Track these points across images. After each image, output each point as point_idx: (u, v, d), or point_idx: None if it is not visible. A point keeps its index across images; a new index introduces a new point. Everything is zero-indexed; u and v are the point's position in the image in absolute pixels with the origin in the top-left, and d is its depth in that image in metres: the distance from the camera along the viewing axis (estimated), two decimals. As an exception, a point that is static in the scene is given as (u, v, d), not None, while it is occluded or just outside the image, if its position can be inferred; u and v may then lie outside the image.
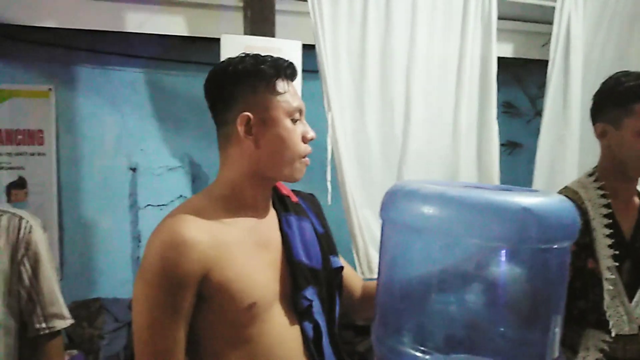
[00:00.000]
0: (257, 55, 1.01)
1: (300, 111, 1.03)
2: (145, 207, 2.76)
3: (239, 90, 0.98)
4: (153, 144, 2.78)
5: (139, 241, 2.75)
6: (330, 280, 1.11)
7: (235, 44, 2.06)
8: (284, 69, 1.01)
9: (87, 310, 2.41)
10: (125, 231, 2.76)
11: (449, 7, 2.49)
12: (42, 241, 1.35)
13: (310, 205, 1.20)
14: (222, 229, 0.98)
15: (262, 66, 0.98)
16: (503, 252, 0.73)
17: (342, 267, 1.14)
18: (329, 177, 2.29)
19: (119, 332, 2.35)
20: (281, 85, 1.00)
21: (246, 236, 1.01)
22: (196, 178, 2.85)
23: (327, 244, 1.15)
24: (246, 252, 0.99)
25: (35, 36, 2.51)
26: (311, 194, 1.24)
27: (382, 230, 0.94)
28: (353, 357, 2.57)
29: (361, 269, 2.44)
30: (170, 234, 0.93)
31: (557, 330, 0.77)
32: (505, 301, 0.77)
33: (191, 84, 2.79)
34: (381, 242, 0.96)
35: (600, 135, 1.38)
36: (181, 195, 2.80)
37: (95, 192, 2.72)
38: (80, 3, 2.39)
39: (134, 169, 2.76)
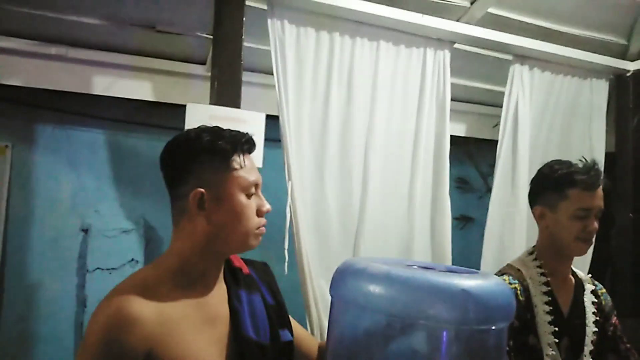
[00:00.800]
0: (215, 130, 1.02)
1: (256, 185, 1.04)
2: (94, 270, 2.66)
3: (193, 166, 0.99)
4: (108, 206, 2.74)
5: (85, 306, 2.64)
6: (280, 355, 1.10)
7: (201, 113, 2.10)
8: (241, 145, 1.02)
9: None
10: (71, 295, 2.65)
11: (407, 88, 2.64)
12: None
13: (263, 275, 1.20)
14: (169, 304, 0.96)
15: (219, 142, 1.00)
16: (444, 332, 0.75)
17: (291, 341, 1.13)
18: (286, 246, 2.29)
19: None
20: (237, 160, 1.02)
21: (193, 311, 0.99)
22: (150, 241, 2.79)
23: (277, 317, 1.14)
24: (192, 328, 0.98)
25: (-2, 92, 2.49)
26: (264, 263, 1.24)
27: (331, 306, 0.95)
28: None
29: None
30: (115, 309, 0.91)
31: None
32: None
33: (153, 147, 2.79)
34: (329, 318, 0.97)
35: (539, 217, 1.47)
36: (133, 259, 2.72)
37: (43, 253, 2.62)
38: (47, 64, 2.41)
39: (85, 230, 2.69)
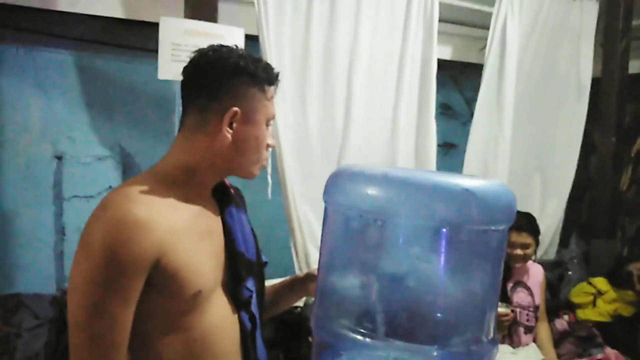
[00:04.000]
0: (251, 55, 1.02)
1: (272, 119, 1.06)
2: (70, 198, 2.58)
3: (234, 84, 0.98)
4: (81, 132, 2.61)
5: (63, 234, 2.58)
6: (261, 274, 1.14)
7: (176, 28, 1.98)
8: (275, 77, 1.04)
9: (3, 307, 2.22)
10: (48, 223, 2.58)
11: (392, 7, 2.53)
12: None
13: (240, 200, 1.20)
14: (172, 212, 0.94)
15: (260, 68, 1.00)
16: (444, 233, 0.72)
17: (266, 264, 1.17)
18: (269, 170, 2.25)
19: (39, 330, 2.19)
20: (270, 91, 1.03)
21: (193, 222, 0.98)
22: (127, 168, 2.71)
23: (256, 238, 1.17)
24: (194, 238, 0.96)
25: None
26: (238, 189, 1.22)
27: (325, 214, 0.92)
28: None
29: (299, 264, 2.42)
30: (122, 212, 0.87)
31: (493, 313, 0.78)
32: (444, 282, 0.77)
33: (125, 70, 2.65)
34: (323, 226, 0.94)
35: None
36: (110, 186, 2.64)
37: (16, 182, 2.52)
38: (5, -24, 2.21)
39: (59, 158, 2.58)
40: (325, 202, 0.92)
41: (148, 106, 2.66)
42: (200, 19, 2.04)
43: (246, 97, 0.99)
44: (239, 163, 1.01)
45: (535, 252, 2.30)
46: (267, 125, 1.04)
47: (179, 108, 1.07)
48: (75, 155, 2.59)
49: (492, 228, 0.73)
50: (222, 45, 1.01)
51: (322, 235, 0.96)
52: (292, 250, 2.42)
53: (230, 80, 0.98)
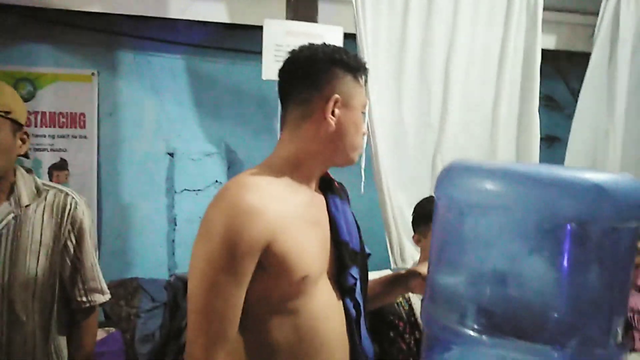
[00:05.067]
0: (340, 47, 1.10)
1: (365, 107, 1.11)
2: (181, 191, 2.79)
3: (331, 74, 1.05)
4: (190, 130, 2.82)
5: (175, 224, 2.80)
6: (365, 265, 1.16)
7: (278, 29, 2.07)
8: (364, 66, 1.10)
9: (124, 289, 2.46)
10: (161, 215, 2.80)
11: (493, -4, 2.45)
12: (87, 217, 1.37)
13: (344, 193, 1.25)
14: (283, 201, 1.00)
15: (350, 58, 1.07)
16: (570, 230, 0.71)
17: (369, 255, 1.20)
18: (363, 165, 2.28)
19: (155, 312, 2.39)
20: (361, 80, 1.09)
21: (301, 211, 1.03)
22: (232, 164, 2.87)
23: (360, 231, 1.19)
24: (302, 226, 1.02)
25: (80, 21, 2.55)
26: (342, 184, 1.27)
27: (436, 209, 0.93)
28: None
29: (394, 258, 2.42)
30: (237, 200, 0.95)
31: (621, 319, 0.75)
32: (566, 282, 0.75)
33: (230, 71, 2.81)
34: (434, 221, 0.95)
35: None
36: (217, 181, 2.82)
37: (133, 176, 2.77)
38: (124, -12, 2.43)
39: (171, 154, 2.80)
40: (436, 196, 0.93)
41: (251, 105, 2.80)
42: (301, 20, 2.12)
43: (343, 85, 1.05)
44: (341, 149, 1.06)
45: None
46: (363, 112, 1.10)
47: (280, 107, 1.14)
48: (186, 152, 2.80)
49: (623, 225, 0.70)
50: (311, 43, 1.09)
51: (432, 231, 0.96)
52: (387, 244, 2.43)
53: (327, 71, 1.05)
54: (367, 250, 1.21)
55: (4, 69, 2.55)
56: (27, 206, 1.29)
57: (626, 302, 0.76)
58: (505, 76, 2.48)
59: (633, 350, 2.08)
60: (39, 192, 1.33)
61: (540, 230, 0.74)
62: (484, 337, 0.81)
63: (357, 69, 1.08)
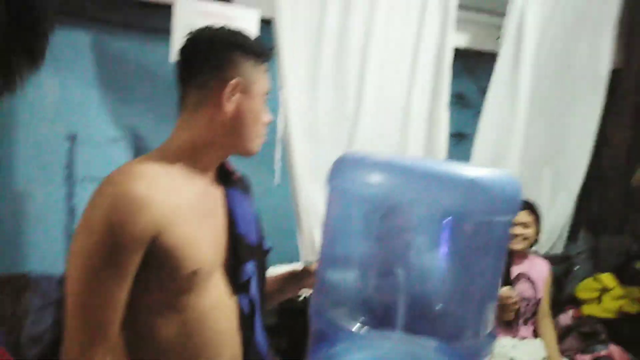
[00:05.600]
0: (243, 31, 1.05)
1: (267, 94, 1.08)
2: (82, 179, 2.61)
3: (231, 57, 1.01)
4: (95, 113, 2.63)
5: (74, 215, 2.61)
6: (263, 260, 1.14)
7: (190, 9, 1.98)
8: (267, 51, 1.08)
9: (11, 285, 2.26)
10: (59, 204, 2.60)
11: (409, -9, 2.49)
12: None
13: (247, 184, 1.22)
14: (174, 190, 0.95)
15: (253, 43, 1.05)
16: (446, 222, 0.71)
17: (269, 250, 1.17)
18: (278, 156, 2.24)
19: (46, 310, 2.22)
20: (264, 66, 1.06)
21: (194, 202, 0.99)
22: (139, 151, 2.71)
23: (260, 225, 1.17)
24: (194, 218, 0.97)
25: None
26: (244, 176, 1.24)
27: (328, 200, 0.91)
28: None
29: (305, 251, 2.42)
30: (121, 190, 0.88)
31: (492, 306, 0.77)
32: (444, 273, 0.76)
33: (140, 51, 2.65)
34: (325, 214, 0.93)
35: None
36: (123, 168, 2.67)
37: (29, 161, 2.54)
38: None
39: (72, 138, 2.60)
40: (328, 188, 0.91)
41: (162, 89, 2.66)
42: (215, 0, 2.04)
43: (243, 69, 1.02)
44: (239, 137, 1.03)
45: (536, 238, 2.27)
46: (264, 100, 1.07)
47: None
48: (89, 137, 2.61)
49: (496, 219, 0.72)
50: (213, 25, 1.04)
51: (324, 222, 0.95)
52: (298, 236, 2.42)
53: (228, 54, 1.01)
54: (268, 245, 1.18)
55: None
56: None
57: (496, 294, 0.79)
58: (417, 71, 2.53)
59: (517, 336, 2.22)
60: None
61: (421, 222, 0.74)
62: (367, 331, 0.80)
63: (260, 54, 1.05)
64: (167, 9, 2.03)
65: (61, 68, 2.55)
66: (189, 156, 1.01)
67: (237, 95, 1.01)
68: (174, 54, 2.02)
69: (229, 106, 1.00)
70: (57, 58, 2.53)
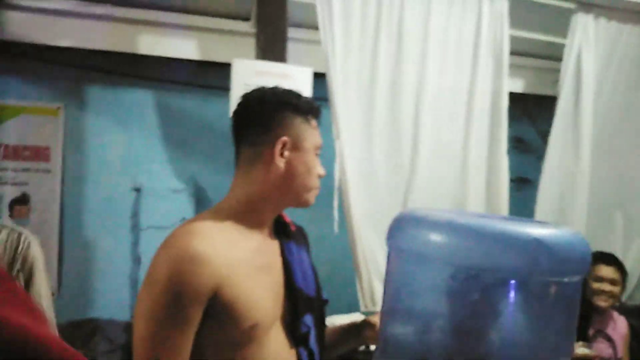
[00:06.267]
0: (292, 90, 1.10)
1: (320, 149, 1.10)
2: (147, 228, 2.72)
3: (280, 116, 1.05)
4: (158, 166, 2.77)
5: (139, 263, 2.71)
6: (321, 311, 1.14)
7: (247, 69, 2.07)
8: (316, 108, 1.11)
9: (81, 330, 2.35)
10: (125, 252, 2.72)
11: (460, 41, 2.50)
12: (38, 258, 1.32)
13: (304, 235, 1.23)
14: (232, 246, 0.98)
15: (301, 100, 1.08)
16: (511, 283, 0.68)
17: (327, 301, 1.17)
18: (335, 205, 2.25)
19: (113, 355, 2.29)
20: (313, 121, 1.09)
21: (252, 257, 1.01)
22: (200, 201, 2.82)
23: (317, 276, 1.17)
24: (252, 272, 1.00)
25: (48, 55, 2.53)
26: (301, 227, 1.25)
27: (388, 258, 0.90)
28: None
29: (364, 300, 2.38)
30: (183, 247, 0.93)
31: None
32: (512, 335, 0.73)
33: (199, 107, 2.80)
34: (386, 270, 0.92)
35: None
36: (184, 218, 2.73)
37: (97, 212, 2.70)
38: (94, 24, 2.42)
39: (137, 190, 2.74)
40: (387, 245, 0.90)
41: (221, 142, 2.77)
42: (270, 60, 2.12)
43: (293, 127, 1.05)
44: (292, 191, 1.05)
45: (621, 294, 2.15)
46: (316, 154, 1.09)
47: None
48: (153, 188, 2.74)
49: (565, 280, 0.68)
50: (263, 86, 1.10)
51: (385, 280, 0.94)
52: (357, 285, 2.38)
53: (277, 113, 1.05)
54: (325, 297, 1.18)
55: (-32, 101, 2.50)
56: None
57: (570, 353, 0.74)
58: (473, 118, 2.51)
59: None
60: None
61: (483, 283, 0.71)
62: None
63: (308, 111, 1.08)
64: (225, 67, 2.14)
65: (127, 125, 2.72)
66: (245, 212, 1.04)
67: (288, 152, 1.04)
68: (232, 110, 2.11)
69: (281, 162, 1.03)
70: (124, 116, 2.71)
